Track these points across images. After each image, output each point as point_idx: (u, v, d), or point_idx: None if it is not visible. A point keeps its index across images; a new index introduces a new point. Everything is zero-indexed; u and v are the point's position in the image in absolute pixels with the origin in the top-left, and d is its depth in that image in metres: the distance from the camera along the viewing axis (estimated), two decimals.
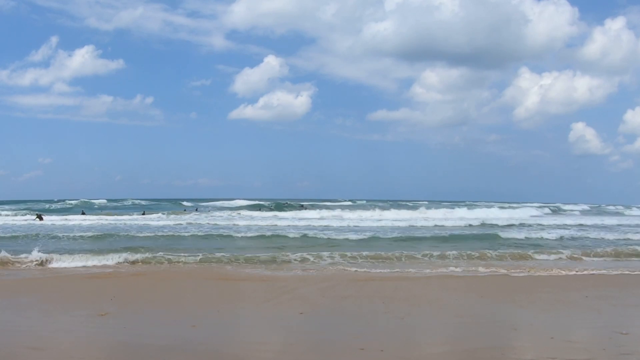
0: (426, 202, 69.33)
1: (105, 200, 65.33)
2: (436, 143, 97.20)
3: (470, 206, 54.04)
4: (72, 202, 61.26)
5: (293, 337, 7.59)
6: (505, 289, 11.83)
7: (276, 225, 29.56)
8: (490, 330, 7.91)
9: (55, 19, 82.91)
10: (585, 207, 67.13)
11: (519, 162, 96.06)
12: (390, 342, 7.19)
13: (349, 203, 66.51)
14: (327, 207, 52.75)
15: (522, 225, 31.70)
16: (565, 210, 60.73)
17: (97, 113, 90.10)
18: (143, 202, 64.64)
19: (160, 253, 15.95)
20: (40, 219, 34.45)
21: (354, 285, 11.94)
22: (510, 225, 30.87)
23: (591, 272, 14.22)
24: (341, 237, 22.67)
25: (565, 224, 32.82)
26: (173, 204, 60.07)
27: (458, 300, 10.60)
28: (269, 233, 24.08)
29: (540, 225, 31.73)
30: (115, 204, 63.11)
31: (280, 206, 57.25)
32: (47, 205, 54.81)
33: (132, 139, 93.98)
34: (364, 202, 69.68)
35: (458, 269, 14.36)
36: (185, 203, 63.27)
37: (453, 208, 47.98)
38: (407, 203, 66.52)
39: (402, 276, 13.29)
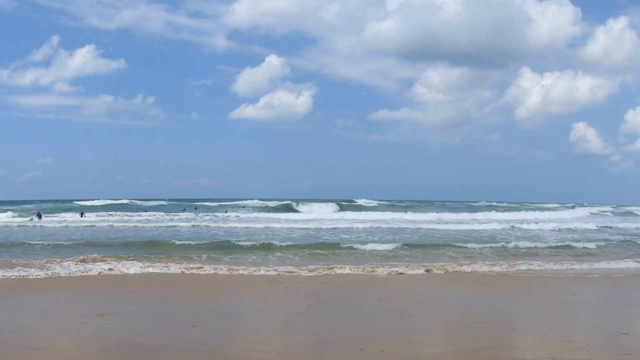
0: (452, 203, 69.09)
1: (127, 200, 65.07)
2: (437, 143, 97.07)
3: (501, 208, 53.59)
4: (93, 202, 61.38)
5: (293, 337, 7.59)
6: (506, 289, 11.84)
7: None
8: (491, 330, 7.90)
9: (57, 19, 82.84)
10: (609, 208, 63.70)
11: (520, 162, 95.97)
12: (390, 342, 7.19)
13: (375, 204, 65.30)
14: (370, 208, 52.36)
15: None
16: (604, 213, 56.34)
17: (97, 113, 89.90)
18: (164, 203, 64.24)
19: None
20: (40, 217, 35.70)
21: (355, 285, 11.95)
22: None
23: (594, 273, 14.24)
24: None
25: None
26: (193, 205, 59.59)
27: (458, 301, 10.61)
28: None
29: None
30: (145, 203, 62.70)
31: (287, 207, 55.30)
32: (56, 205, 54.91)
33: (132, 139, 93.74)
34: (387, 202, 67.65)
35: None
36: (207, 203, 62.39)
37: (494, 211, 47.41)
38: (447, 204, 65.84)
39: (403, 276, 13.29)
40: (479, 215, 42.09)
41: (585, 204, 71.56)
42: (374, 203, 63.58)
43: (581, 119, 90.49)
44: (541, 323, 8.37)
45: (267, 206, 54.94)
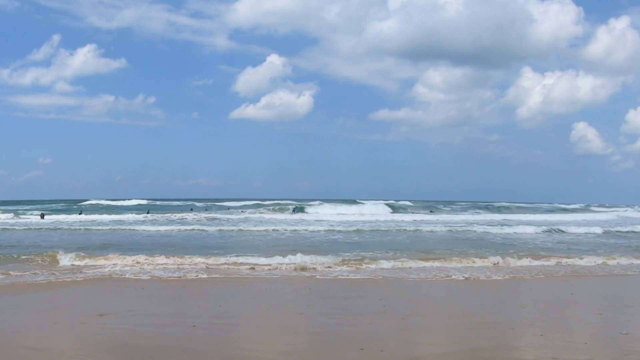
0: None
1: (142, 201, 65.32)
2: (437, 143, 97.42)
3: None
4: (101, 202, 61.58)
5: (293, 337, 7.59)
6: (506, 290, 11.84)
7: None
8: (491, 330, 7.90)
9: (58, 19, 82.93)
10: (629, 208, 61.96)
11: (521, 162, 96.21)
12: (390, 342, 7.19)
13: (411, 202, 64.34)
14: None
15: None
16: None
17: (98, 113, 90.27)
18: (180, 203, 64.18)
19: None
20: (42, 217, 36.29)
21: (355, 285, 11.95)
22: None
23: (593, 273, 14.24)
24: None
25: None
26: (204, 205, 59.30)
27: (458, 301, 10.61)
28: None
29: None
30: (161, 203, 62.50)
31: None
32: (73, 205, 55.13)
33: (133, 138, 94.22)
34: (409, 203, 66.50)
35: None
36: (228, 203, 61.94)
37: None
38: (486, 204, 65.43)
39: (403, 277, 13.28)
40: (525, 217, 41.96)
41: (596, 204, 71.47)
42: (409, 203, 62.84)
43: (582, 119, 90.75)
44: (541, 323, 8.37)
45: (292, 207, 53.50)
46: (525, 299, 10.82)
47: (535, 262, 15.55)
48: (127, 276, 12.84)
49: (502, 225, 31.39)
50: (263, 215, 42.43)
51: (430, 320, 8.87)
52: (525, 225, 30.41)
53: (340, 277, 13.04)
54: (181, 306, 9.68)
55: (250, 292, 11.32)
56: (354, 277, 12.99)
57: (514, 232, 26.88)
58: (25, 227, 28.28)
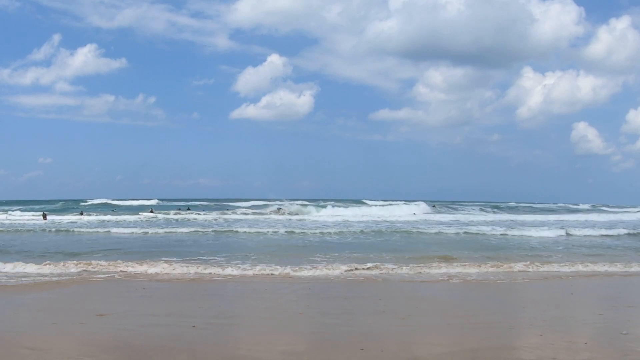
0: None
1: (156, 201, 65.37)
2: (438, 143, 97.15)
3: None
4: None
5: (293, 337, 7.59)
6: (506, 290, 11.84)
7: None
8: (491, 330, 7.90)
9: (59, 19, 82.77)
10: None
11: (521, 162, 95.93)
12: (390, 342, 7.19)
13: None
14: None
15: None
16: None
17: (98, 113, 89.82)
18: (182, 203, 64.23)
19: None
20: (44, 217, 36.26)
21: (355, 285, 11.95)
22: None
23: (593, 273, 14.24)
24: None
25: None
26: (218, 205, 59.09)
27: (458, 301, 10.62)
28: None
29: None
30: (167, 203, 62.27)
31: None
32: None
33: (133, 138, 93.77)
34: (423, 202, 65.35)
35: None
36: (228, 203, 61.72)
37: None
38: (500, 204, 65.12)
39: (404, 278, 13.29)
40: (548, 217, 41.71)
41: (599, 204, 71.41)
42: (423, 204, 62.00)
43: (582, 119, 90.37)
44: (541, 323, 8.37)
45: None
46: (525, 299, 10.82)
47: None
48: (123, 278, 12.85)
49: (520, 227, 30.06)
50: (288, 217, 41.49)
51: (430, 320, 8.86)
52: (555, 229, 28.25)
53: (340, 277, 13.05)
54: (181, 306, 9.67)
55: (250, 292, 11.32)
56: (353, 277, 12.99)
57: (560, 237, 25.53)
58: (14, 229, 27.87)
